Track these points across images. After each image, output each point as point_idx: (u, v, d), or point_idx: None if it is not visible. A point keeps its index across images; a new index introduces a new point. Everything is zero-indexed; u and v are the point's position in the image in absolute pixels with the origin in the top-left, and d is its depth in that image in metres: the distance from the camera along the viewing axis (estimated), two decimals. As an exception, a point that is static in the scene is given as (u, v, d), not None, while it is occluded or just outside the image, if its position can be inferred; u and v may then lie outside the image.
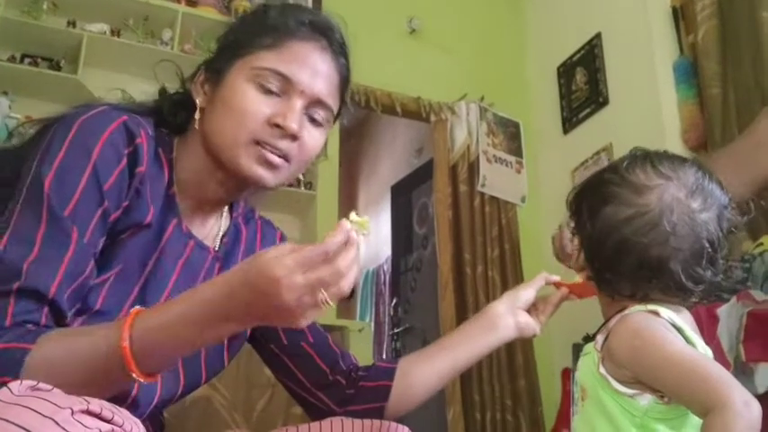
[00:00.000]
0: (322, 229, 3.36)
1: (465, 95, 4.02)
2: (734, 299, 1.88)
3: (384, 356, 5.22)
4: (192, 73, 1.07)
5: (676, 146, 3.17)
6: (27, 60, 3.10)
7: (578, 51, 3.91)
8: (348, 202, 6.03)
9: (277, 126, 0.97)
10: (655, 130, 3.25)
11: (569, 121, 3.93)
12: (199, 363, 1.03)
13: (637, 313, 0.98)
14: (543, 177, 4.08)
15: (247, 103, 0.97)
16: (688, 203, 0.97)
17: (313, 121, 1.02)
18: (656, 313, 0.97)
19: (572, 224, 1.10)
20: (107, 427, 0.62)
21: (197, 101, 1.02)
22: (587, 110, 3.79)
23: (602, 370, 0.97)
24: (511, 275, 3.81)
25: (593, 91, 3.75)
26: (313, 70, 1.00)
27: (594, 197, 1.05)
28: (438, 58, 4.15)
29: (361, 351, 3.07)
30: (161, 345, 0.77)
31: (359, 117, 5.89)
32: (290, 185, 3.44)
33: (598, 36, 3.77)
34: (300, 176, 3.49)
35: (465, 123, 3.96)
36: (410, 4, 4.18)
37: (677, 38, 3.35)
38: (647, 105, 3.35)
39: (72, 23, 3.17)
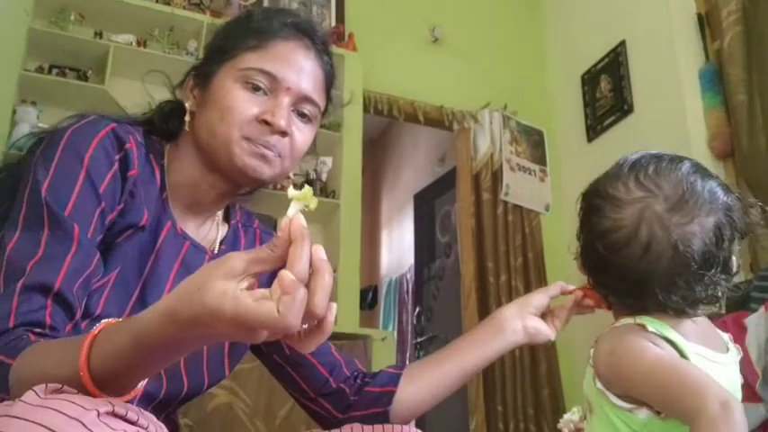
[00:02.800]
0: (345, 237, 3.36)
1: (488, 104, 4.01)
2: (762, 308, 1.85)
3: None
4: (181, 80, 1.10)
5: (702, 154, 3.13)
6: (55, 71, 3.14)
7: (602, 59, 3.89)
8: (371, 211, 6.04)
9: (266, 123, 0.99)
10: (680, 137, 3.22)
11: (593, 129, 3.91)
12: (201, 368, 1.05)
13: (620, 326, 0.95)
14: (567, 186, 4.05)
15: (236, 101, 0.99)
16: (668, 217, 0.91)
17: (302, 116, 1.04)
18: (642, 326, 0.93)
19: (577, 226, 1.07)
20: (132, 429, 0.62)
21: (187, 105, 1.05)
22: (612, 118, 3.77)
23: (598, 384, 0.94)
24: (534, 284, 3.78)
25: (618, 99, 3.73)
26: (298, 68, 1.02)
27: (586, 206, 1.02)
28: (461, 67, 4.15)
29: (384, 360, 3.05)
30: (117, 372, 0.69)
31: (381, 126, 5.91)
32: (314, 195, 3.45)
33: (622, 44, 3.75)
34: (324, 185, 3.51)
35: (488, 132, 3.95)
36: (432, 13, 4.19)
37: (702, 44, 3.32)
38: (673, 113, 3.32)
39: (99, 34, 3.21)
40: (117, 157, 0.94)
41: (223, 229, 1.13)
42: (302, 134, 1.04)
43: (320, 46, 1.07)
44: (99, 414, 0.60)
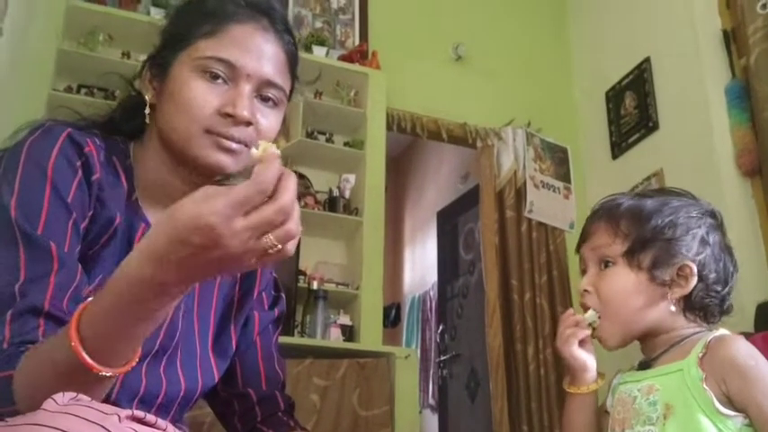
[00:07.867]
0: (368, 254, 3.36)
1: (512, 121, 4.01)
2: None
3: (431, 384, 5.18)
4: (138, 71, 1.06)
5: (729, 171, 3.10)
6: (83, 91, 3.20)
7: (627, 76, 3.87)
8: (394, 228, 6.05)
9: (228, 115, 0.95)
10: (706, 155, 3.19)
11: (618, 146, 3.88)
12: (195, 367, 1.04)
13: (737, 335, 1.03)
14: (592, 203, 3.96)
15: (194, 94, 0.95)
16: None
17: (265, 101, 1.00)
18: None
19: None
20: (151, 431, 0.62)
21: (147, 97, 1.01)
22: (637, 135, 3.74)
23: (706, 386, 0.99)
24: (559, 302, 3.76)
25: (643, 115, 3.70)
26: (257, 52, 0.98)
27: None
28: (484, 84, 4.15)
29: (408, 378, 3.04)
30: (110, 333, 0.70)
31: (405, 143, 5.92)
32: (337, 212, 3.46)
33: (647, 60, 3.73)
34: (347, 203, 3.52)
35: (512, 149, 3.94)
36: (456, 31, 4.20)
37: (729, 61, 3.28)
38: (699, 130, 3.29)
39: (127, 54, 3.27)
40: (78, 163, 0.92)
41: None
42: (268, 120, 0.99)
43: (280, 26, 1.02)
44: (120, 418, 0.60)
